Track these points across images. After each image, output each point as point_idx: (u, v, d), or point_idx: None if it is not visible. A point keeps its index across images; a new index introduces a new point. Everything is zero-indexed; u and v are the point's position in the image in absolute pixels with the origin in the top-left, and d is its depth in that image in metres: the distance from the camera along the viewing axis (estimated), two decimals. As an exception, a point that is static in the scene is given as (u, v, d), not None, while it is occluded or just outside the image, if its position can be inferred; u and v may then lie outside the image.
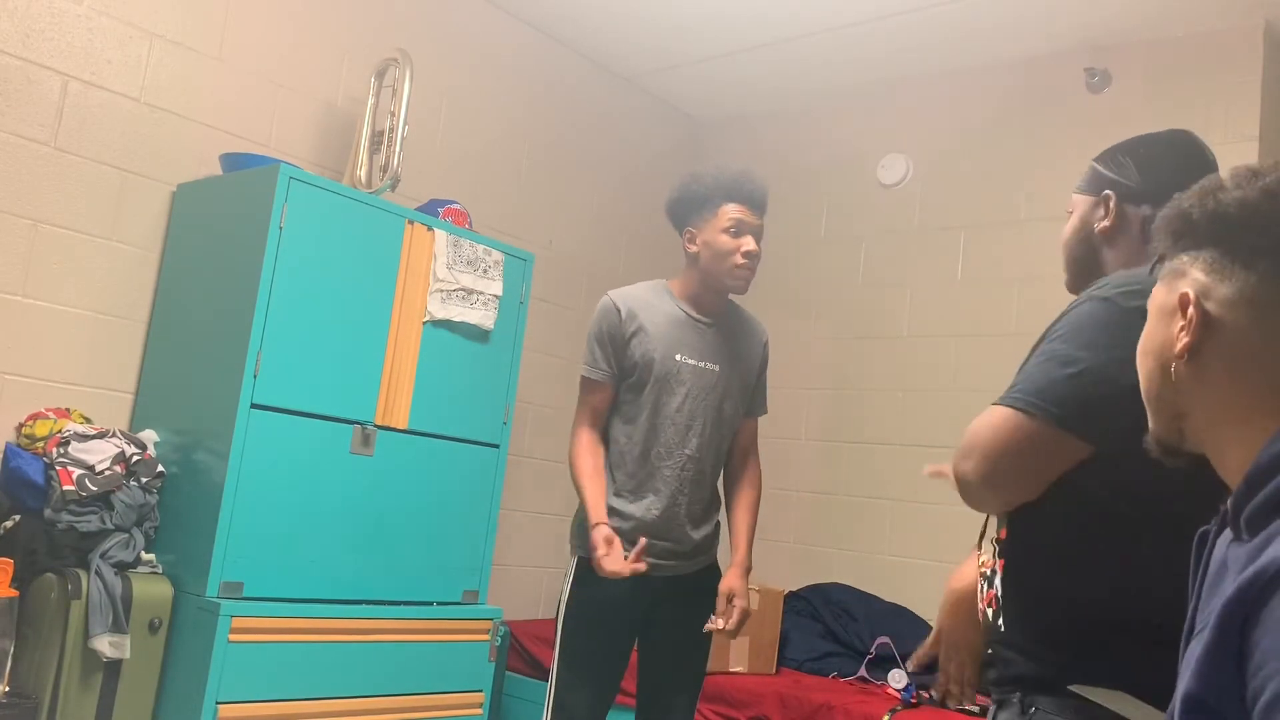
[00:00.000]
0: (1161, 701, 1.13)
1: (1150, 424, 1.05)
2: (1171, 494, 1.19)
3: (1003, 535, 1.38)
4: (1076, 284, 1.58)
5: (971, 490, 1.35)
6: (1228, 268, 0.95)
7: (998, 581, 1.38)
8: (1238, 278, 0.94)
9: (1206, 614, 0.85)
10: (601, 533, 2.30)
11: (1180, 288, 0.98)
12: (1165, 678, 1.15)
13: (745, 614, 2.39)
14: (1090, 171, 1.58)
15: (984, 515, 1.48)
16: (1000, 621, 1.36)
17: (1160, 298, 1.03)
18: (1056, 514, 1.31)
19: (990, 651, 1.43)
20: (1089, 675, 1.26)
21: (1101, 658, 1.26)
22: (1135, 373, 1.08)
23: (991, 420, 1.32)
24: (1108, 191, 1.53)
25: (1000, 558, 1.38)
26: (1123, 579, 1.27)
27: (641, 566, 2.28)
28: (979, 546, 1.49)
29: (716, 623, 2.37)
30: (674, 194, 2.51)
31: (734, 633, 2.40)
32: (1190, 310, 0.96)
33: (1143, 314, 1.09)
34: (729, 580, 2.42)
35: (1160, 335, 1.02)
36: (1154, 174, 1.50)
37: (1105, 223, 1.52)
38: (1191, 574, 0.97)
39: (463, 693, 2.99)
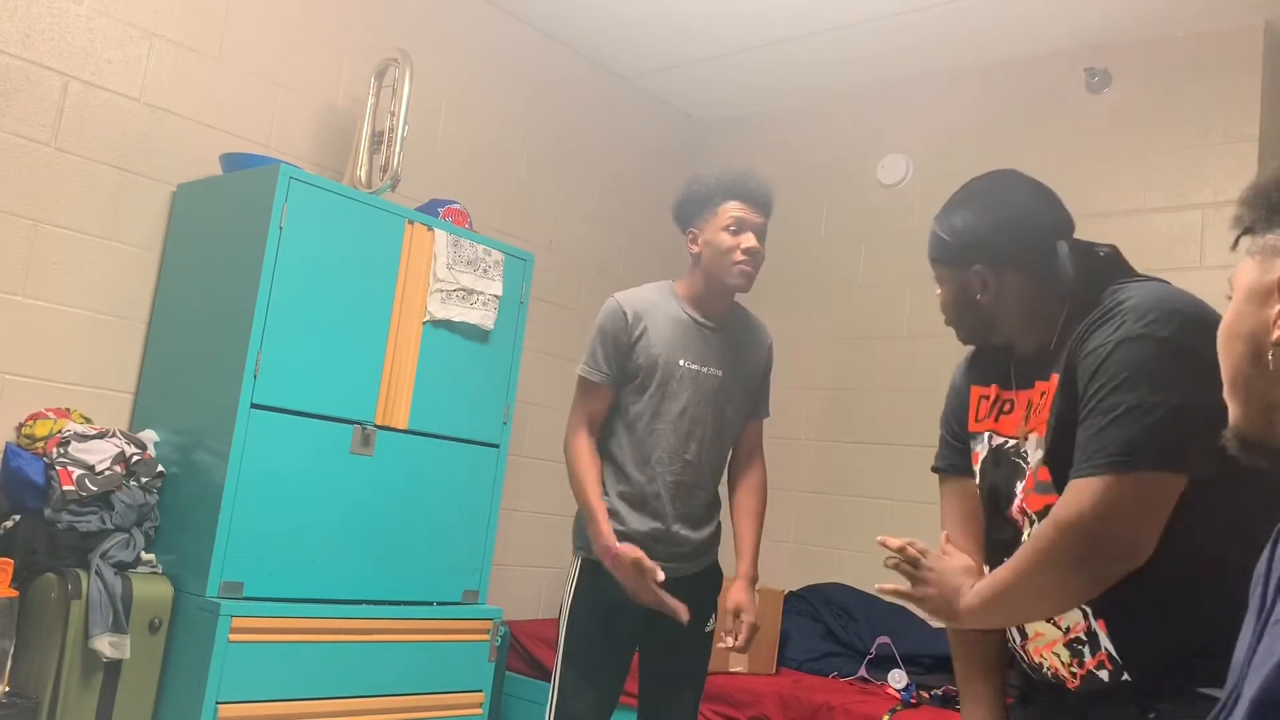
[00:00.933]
0: None
1: (1232, 415, 0.97)
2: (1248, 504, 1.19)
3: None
4: (978, 339, 1.63)
5: (1094, 567, 1.32)
6: None
7: (1104, 643, 1.36)
8: None
9: None
10: (629, 555, 2.27)
11: (1274, 267, 0.91)
12: None
13: (754, 629, 2.38)
14: (950, 249, 1.63)
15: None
16: (1125, 676, 1.35)
17: (1250, 276, 0.94)
18: (1179, 550, 1.30)
19: (1085, 709, 1.41)
20: (1211, 680, 1.23)
21: (1224, 663, 1.26)
22: (1213, 402, 1.03)
23: (1098, 492, 1.29)
24: (978, 267, 1.54)
25: (1099, 618, 1.36)
26: (1239, 588, 1.26)
27: (659, 576, 2.27)
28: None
29: (726, 640, 2.36)
30: (678, 195, 2.50)
31: (744, 648, 2.39)
32: None
33: (1198, 345, 1.05)
34: (735, 595, 2.40)
35: (1253, 318, 0.93)
36: (1008, 233, 1.52)
37: (988, 297, 1.54)
38: (1267, 564, 0.92)
39: (463, 693, 2.99)
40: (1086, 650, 1.39)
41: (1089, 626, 1.37)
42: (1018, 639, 1.51)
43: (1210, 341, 1.12)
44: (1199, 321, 1.30)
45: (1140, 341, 1.31)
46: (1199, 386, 1.12)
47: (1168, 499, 1.29)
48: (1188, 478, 1.28)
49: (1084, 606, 1.38)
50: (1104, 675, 1.37)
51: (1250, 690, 0.81)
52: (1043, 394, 1.47)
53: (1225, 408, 1.00)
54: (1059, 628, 1.42)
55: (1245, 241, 0.97)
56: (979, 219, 1.57)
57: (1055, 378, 1.43)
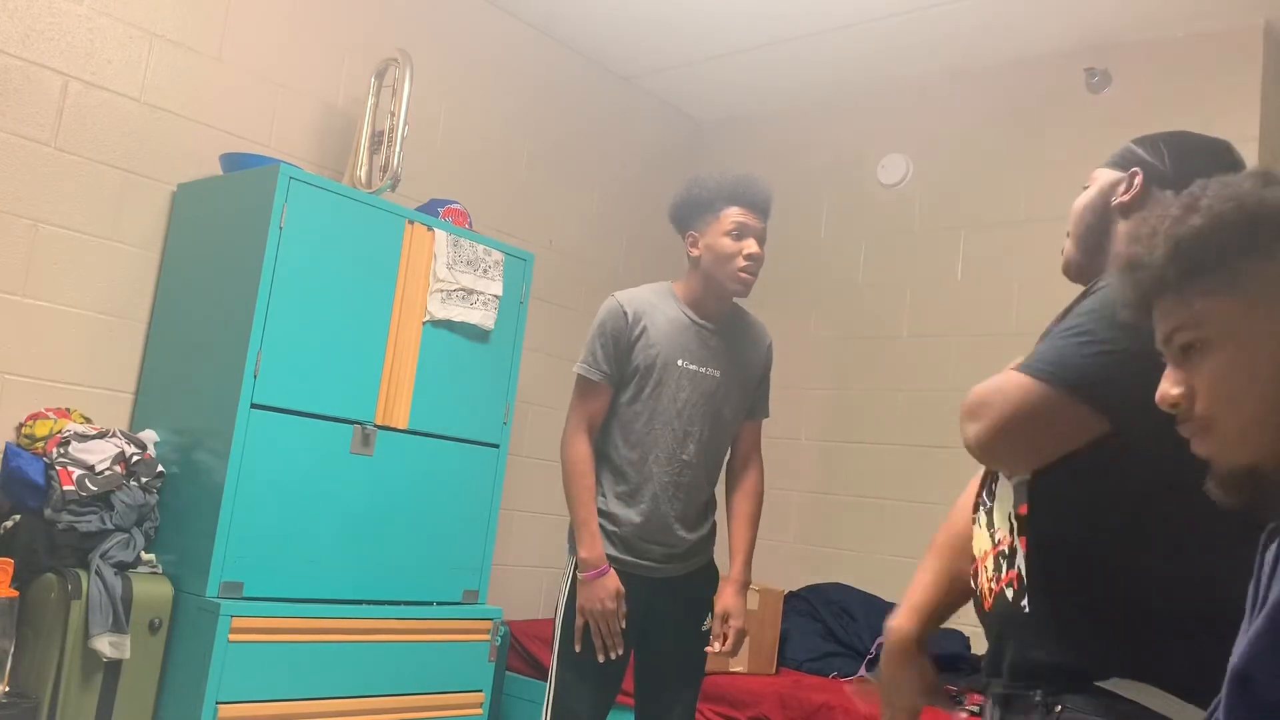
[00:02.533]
0: (1203, 699, 1.09)
1: (1246, 455, 0.96)
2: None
3: (1023, 511, 1.33)
4: (1080, 256, 1.55)
5: (974, 453, 1.34)
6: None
7: (1020, 561, 1.32)
8: None
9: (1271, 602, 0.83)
10: (612, 585, 2.31)
11: None
12: (1212, 673, 1.14)
13: (742, 634, 2.40)
14: (1123, 150, 1.54)
15: (979, 486, 1.45)
16: (1025, 603, 1.30)
17: (1233, 318, 0.96)
18: (1100, 493, 1.27)
19: (998, 638, 1.36)
20: (1126, 667, 1.21)
21: (1143, 648, 1.21)
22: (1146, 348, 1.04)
23: (1004, 385, 1.30)
24: (1135, 169, 1.50)
25: (1022, 535, 1.33)
26: (1174, 564, 1.23)
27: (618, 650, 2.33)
28: (976, 519, 1.44)
29: (714, 645, 2.38)
30: (677, 198, 2.50)
31: (733, 653, 2.41)
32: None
33: None
34: (725, 600, 2.41)
35: (1274, 348, 0.94)
36: (1187, 164, 1.46)
37: (1126, 196, 1.49)
38: (1257, 569, 0.93)
39: (463, 693, 2.99)
40: (1005, 565, 1.36)
41: (1012, 542, 1.35)
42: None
43: None
44: None
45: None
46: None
47: (1067, 425, 1.26)
48: (1103, 417, 1.25)
49: (1013, 519, 1.35)
50: (1009, 594, 1.33)
51: (1229, 666, 0.83)
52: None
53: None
54: (993, 540, 1.39)
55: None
56: (1168, 142, 1.52)
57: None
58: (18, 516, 2.59)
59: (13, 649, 2.47)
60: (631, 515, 2.38)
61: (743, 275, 2.40)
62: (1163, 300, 1.02)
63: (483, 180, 3.91)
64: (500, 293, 3.17)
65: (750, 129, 4.70)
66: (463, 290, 3.08)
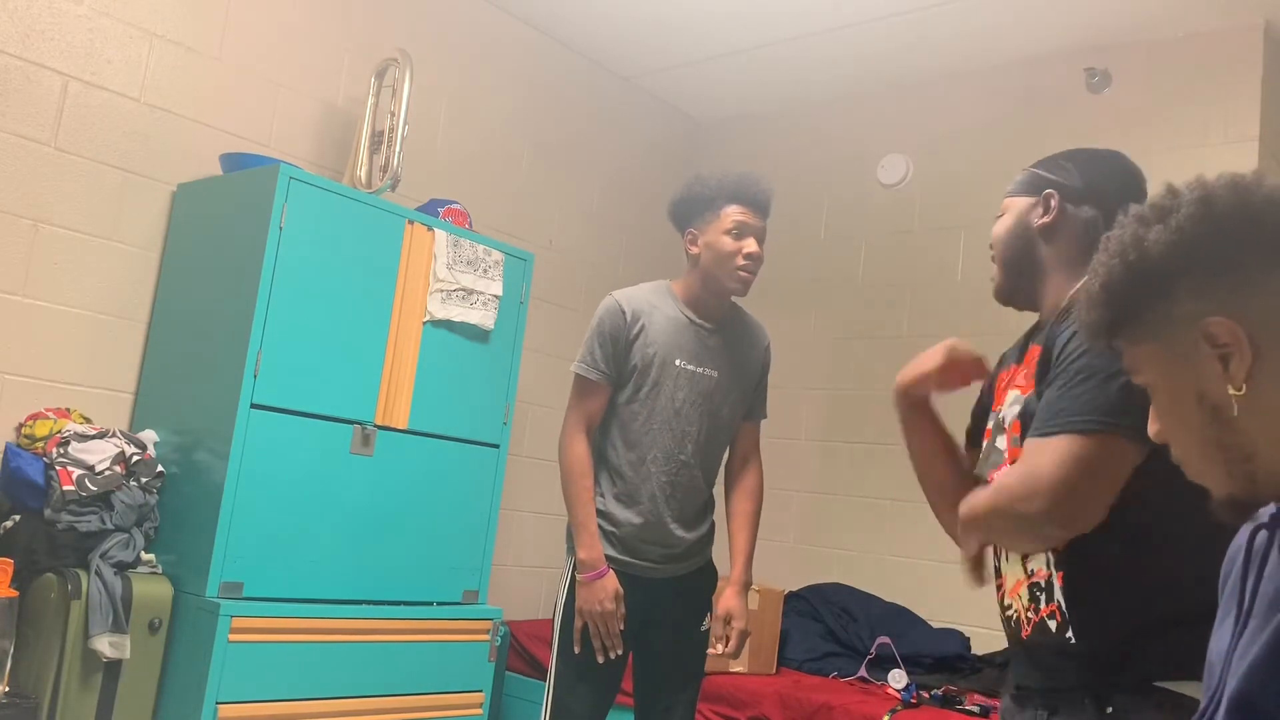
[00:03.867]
0: None
1: (1214, 486, 0.96)
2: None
3: (1059, 548, 1.37)
4: (1009, 281, 1.62)
5: (1041, 529, 1.33)
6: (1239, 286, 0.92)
7: (1059, 594, 1.35)
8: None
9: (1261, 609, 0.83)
10: (610, 587, 2.31)
11: (1194, 330, 0.93)
12: None
13: (744, 635, 2.40)
14: (1029, 175, 1.60)
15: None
16: (1070, 634, 1.34)
17: (1157, 363, 0.98)
18: (1120, 516, 1.29)
19: (1039, 661, 1.41)
20: (1168, 669, 1.25)
21: (1182, 646, 1.21)
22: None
23: (1055, 452, 1.29)
24: (1049, 190, 1.54)
25: (1058, 569, 1.36)
26: (1199, 568, 1.23)
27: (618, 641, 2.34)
28: (1001, 552, 1.48)
29: (716, 647, 2.38)
30: (677, 195, 2.50)
31: (735, 655, 2.41)
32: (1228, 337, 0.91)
33: None
34: (726, 601, 2.41)
35: (1193, 388, 0.95)
36: (1095, 177, 1.52)
37: (1047, 219, 1.53)
38: (1243, 563, 0.94)
39: (463, 693, 2.99)
40: (1043, 598, 1.39)
41: (1049, 576, 1.38)
42: (995, 579, 1.52)
43: None
44: None
45: None
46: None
47: (1122, 466, 1.28)
48: (1146, 448, 1.26)
49: (1049, 554, 1.38)
50: (1052, 626, 1.37)
51: (1229, 690, 0.83)
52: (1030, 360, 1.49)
53: None
54: (1025, 570, 1.42)
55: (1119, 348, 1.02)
56: (1071, 159, 1.60)
57: (1037, 348, 1.45)
58: (18, 516, 2.59)
59: (13, 649, 2.47)
60: (630, 516, 2.38)
61: (742, 274, 2.40)
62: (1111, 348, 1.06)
63: (483, 180, 3.91)
64: (500, 293, 3.17)
65: (750, 129, 4.70)
66: (463, 290, 3.08)
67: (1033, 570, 1.41)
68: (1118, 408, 1.27)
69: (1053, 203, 1.53)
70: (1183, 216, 0.94)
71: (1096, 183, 1.52)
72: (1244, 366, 0.90)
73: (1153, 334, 0.98)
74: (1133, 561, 1.31)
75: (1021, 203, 1.60)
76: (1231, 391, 0.91)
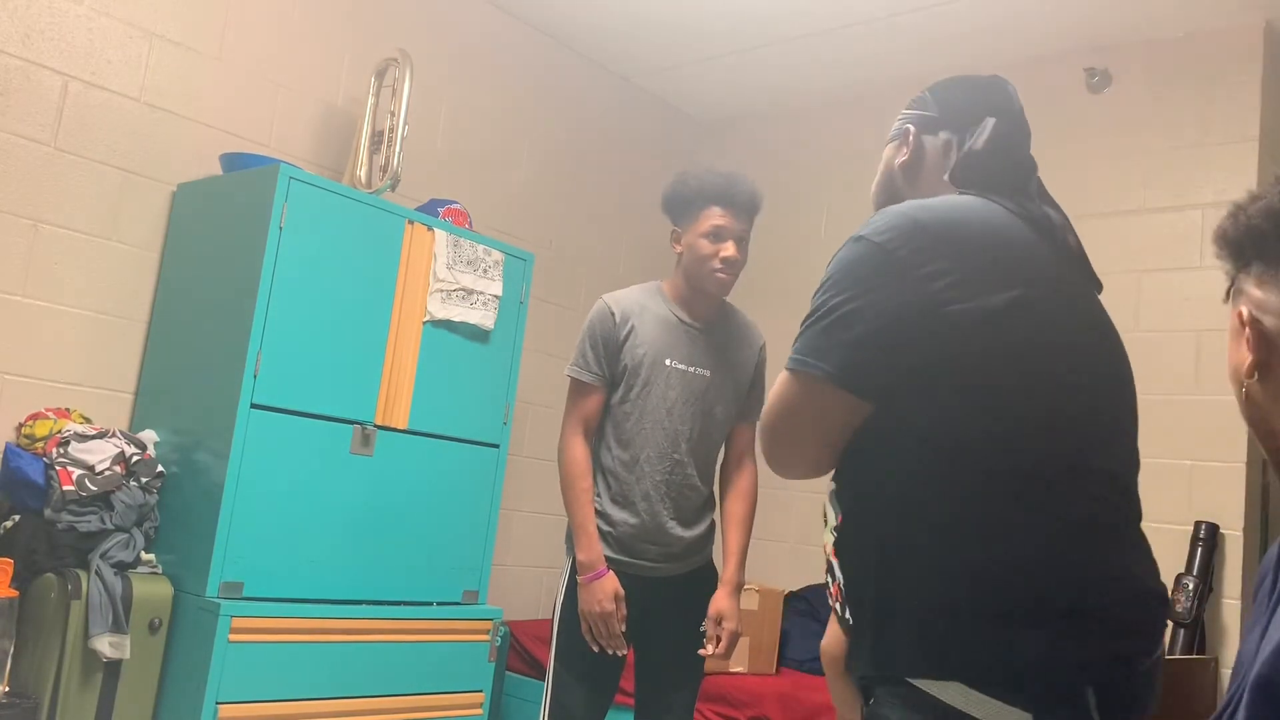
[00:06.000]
0: (1029, 693, 1.09)
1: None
2: (1005, 444, 1.14)
3: (839, 521, 1.29)
4: None
5: (769, 464, 1.33)
6: (1274, 278, 0.92)
7: (839, 572, 1.28)
8: None
9: None
10: (610, 587, 2.32)
11: (1238, 305, 0.96)
12: (1036, 666, 1.10)
13: (735, 636, 2.39)
14: (896, 123, 1.55)
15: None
16: (848, 615, 1.26)
17: (1231, 320, 0.99)
18: (900, 474, 1.22)
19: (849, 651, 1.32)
20: (933, 664, 1.15)
21: (953, 645, 1.15)
22: (894, 311, 1.11)
23: (772, 389, 1.30)
24: (907, 126, 1.50)
25: (835, 550, 1.29)
26: (972, 564, 1.17)
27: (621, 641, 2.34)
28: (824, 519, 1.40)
29: (707, 648, 2.38)
30: (664, 192, 2.52)
31: (726, 655, 2.41)
32: (1246, 329, 0.93)
33: (897, 247, 1.11)
34: (718, 602, 2.41)
35: (1233, 358, 0.97)
36: (954, 103, 1.47)
37: (905, 155, 1.49)
38: (1274, 575, 0.93)
39: (463, 693, 2.99)
40: (829, 578, 1.32)
41: (829, 555, 1.31)
42: None
43: (924, 249, 1.17)
44: (914, 225, 1.24)
45: (846, 244, 1.30)
46: (888, 292, 1.11)
47: (824, 410, 1.23)
48: (857, 399, 1.21)
49: (834, 533, 1.30)
50: (838, 607, 1.30)
51: (1252, 675, 0.83)
52: None
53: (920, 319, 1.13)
54: (825, 547, 1.35)
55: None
56: (930, 90, 1.52)
57: None
58: (18, 516, 2.59)
59: (13, 649, 2.47)
60: (626, 516, 2.38)
61: (718, 276, 2.41)
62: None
63: (483, 180, 3.91)
64: (500, 293, 3.17)
65: (750, 129, 4.70)
66: (463, 290, 3.08)
67: (824, 545, 1.34)
68: (822, 350, 1.22)
69: (909, 138, 1.49)
70: (1274, 197, 0.95)
71: (951, 104, 1.46)
72: (1254, 360, 0.92)
73: (1232, 295, 0.99)
74: (899, 552, 1.20)
75: (887, 151, 1.55)
76: (1244, 376, 0.93)
